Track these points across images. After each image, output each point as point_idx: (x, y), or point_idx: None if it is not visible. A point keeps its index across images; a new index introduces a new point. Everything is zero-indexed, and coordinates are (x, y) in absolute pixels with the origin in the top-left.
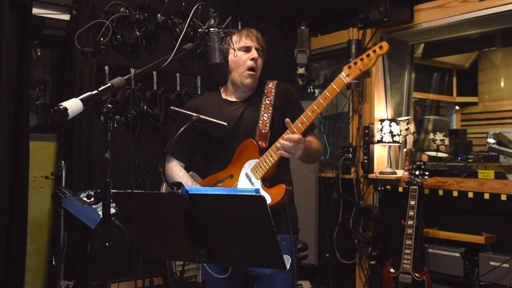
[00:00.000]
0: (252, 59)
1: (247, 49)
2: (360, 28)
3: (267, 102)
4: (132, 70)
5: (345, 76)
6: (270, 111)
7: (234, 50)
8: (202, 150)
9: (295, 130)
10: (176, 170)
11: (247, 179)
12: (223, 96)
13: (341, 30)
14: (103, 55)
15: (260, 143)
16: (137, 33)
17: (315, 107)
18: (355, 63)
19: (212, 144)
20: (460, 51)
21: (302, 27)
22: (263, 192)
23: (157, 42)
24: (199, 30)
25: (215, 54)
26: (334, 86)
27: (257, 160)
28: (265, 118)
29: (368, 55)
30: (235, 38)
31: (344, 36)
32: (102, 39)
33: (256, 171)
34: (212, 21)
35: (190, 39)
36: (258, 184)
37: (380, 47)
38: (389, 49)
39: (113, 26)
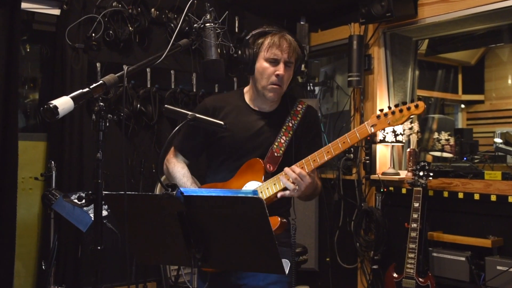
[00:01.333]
0: (277, 75)
1: (275, 62)
2: (361, 23)
3: (290, 125)
4: (125, 67)
5: (370, 126)
6: (290, 135)
7: (257, 53)
8: (209, 154)
9: (304, 166)
10: (178, 166)
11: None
12: (246, 99)
13: (342, 25)
14: (94, 52)
15: (268, 166)
16: (130, 28)
17: (331, 149)
18: (385, 115)
19: (222, 150)
20: (466, 47)
21: (302, 22)
22: None
23: (151, 38)
24: (195, 25)
25: (211, 50)
26: (357, 133)
27: (260, 183)
28: (282, 141)
29: (401, 111)
30: (267, 42)
31: (345, 31)
32: (93, 34)
33: None
34: (208, 16)
35: (185, 35)
36: None
37: (416, 106)
38: (425, 110)
39: (105, 21)
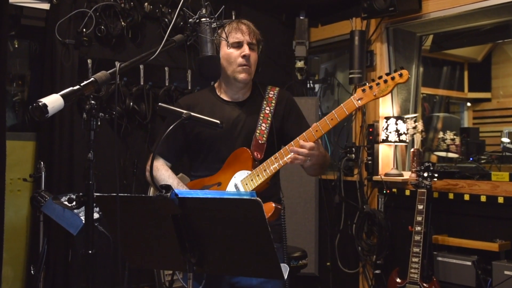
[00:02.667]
0: (244, 56)
1: (239, 45)
2: (363, 18)
3: (267, 111)
4: (117, 64)
5: (357, 100)
6: (269, 121)
7: (227, 41)
8: (190, 151)
9: (293, 146)
10: (162, 170)
11: (236, 190)
12: (218, 93)
13: (343, 20)
14: (85, 48)
15: (255, 153)
16: (123, 23)
17: (320, 127)
18: (370, 87)
19: (203, 145)
20: (472, 43)
21: (301, 17)
22: None
23: (144, 33)
24: (190, 20)
25: (207, 46)
26: (344, 108)
27: (249, 171)
28: (263, 128)
29: (386, 81)
30: (226, 30)
31: (346, 26)
32: (84, 30)
33: (247, 184)
34: (204, 11)
35: (180, 30)
36: None
37: (400, 75)
38: (408, 79)
39: (96, 16)
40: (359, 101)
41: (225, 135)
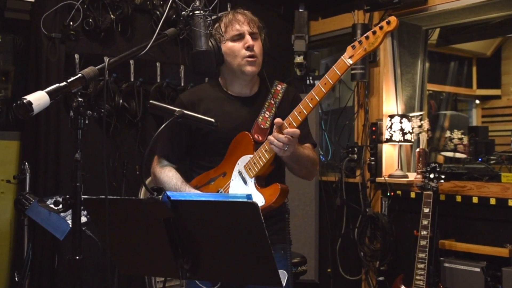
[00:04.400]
0: (248, 47)
1: (240, 37)
2: (366, 10)
3: (272, 102)
4: (106, 59)
5: (348, 58)
6: (273, 111)
7: (222, 35)
8: (195, 151)
9: (292, 120)
10: (165, 171)
11: (240, 178)
12: (224, 88)
13: (345, 13)
14: (72, 42)
15: (256, 136)
16: (112, 16)
17: (314, 94)
18: (360, 42)
19: (210, 146)
20: (481, 37)
21: (300, 10)
22: (256, 193)
23: (135, 26)
24: (183, 13)
25: (201, 40)
26: (335, 69)
27: (252, 155)
28: (267, 116)
29: (374, 32)
30: (223, 25)
31: (348, 20)
32: (71, 23)
33: (250, 169)
34: (198, 3)
35: (173, 24)
36: (251, 183)
37: (388, 22)
38: (397, 25)
39: (84, 8)
40: (349, 60)
41: (234, 132)
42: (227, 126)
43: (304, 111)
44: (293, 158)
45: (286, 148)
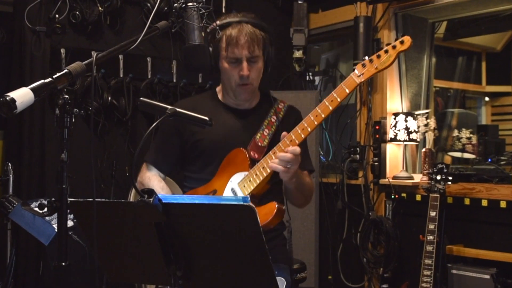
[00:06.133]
0: (241, 77)
1: (237, 61)
2: (369, 2)
3: (272, 120)
4: (94, 54)
5: (358, 76)
6: (272, 129)
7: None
8: (185, 161)
9: (294, 138)
10: (155, 181)
11: (233, 195)
12: (221, 98)
13: (346, 5)
14: (58, 36)
15: (252, 153)
16: (100, 8)
17: (319, 111)
18: (371, 61)
19: (200, 154)
20: (491, 31)
21: (299, 1)
22: None
23: (124, 19)
24: (175, 5)
25: (194, 34)
26: (344, 86)
27: (246, 172)
28: (265, 134)
29: (386, 51)
30: (224, 40)
31: (350, 12)
32: (57, 16)
33: (244, 186)
34: None
35: (164, 16)
36: None
37: (402, 42)
38: (411, 45)
39: (70, 0)
40: (360, 77)
41: (227, 145)
42: (219, 135)
43: (308, 128)
44: (299, 186)
45: (289, 166)
